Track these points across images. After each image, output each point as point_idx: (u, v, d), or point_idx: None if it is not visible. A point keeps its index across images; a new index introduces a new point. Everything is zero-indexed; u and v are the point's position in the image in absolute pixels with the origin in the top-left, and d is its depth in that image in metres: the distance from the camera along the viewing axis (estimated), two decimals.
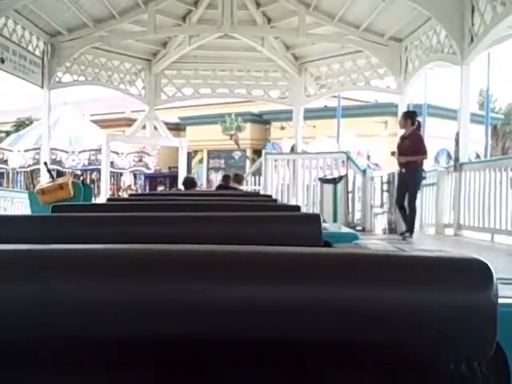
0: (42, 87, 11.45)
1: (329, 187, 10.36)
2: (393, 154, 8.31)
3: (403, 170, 7.98)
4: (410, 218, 7.95)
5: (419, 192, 8.73)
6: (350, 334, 0.59)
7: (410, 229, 7.87)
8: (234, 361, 0.63)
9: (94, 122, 20.95)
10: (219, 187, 8.54)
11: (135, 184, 19.96)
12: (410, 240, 7.69)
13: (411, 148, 7.79)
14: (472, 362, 0.62)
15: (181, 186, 8.64)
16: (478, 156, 19.36)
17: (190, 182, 7.94)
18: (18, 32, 10.41)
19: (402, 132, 8.26)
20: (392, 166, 8.41)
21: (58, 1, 10.16)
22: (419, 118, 9.06)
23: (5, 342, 0.60)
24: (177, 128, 24.08)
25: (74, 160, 17.57)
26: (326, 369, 0.64)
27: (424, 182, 9.61)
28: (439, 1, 8.72)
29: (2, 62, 9.86)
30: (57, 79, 11.87)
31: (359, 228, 9.52)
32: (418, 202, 9.77)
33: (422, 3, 8.90)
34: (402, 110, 10.33)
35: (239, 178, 8.80)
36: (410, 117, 8.12)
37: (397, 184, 8.53)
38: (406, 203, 8.00)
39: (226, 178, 9.50)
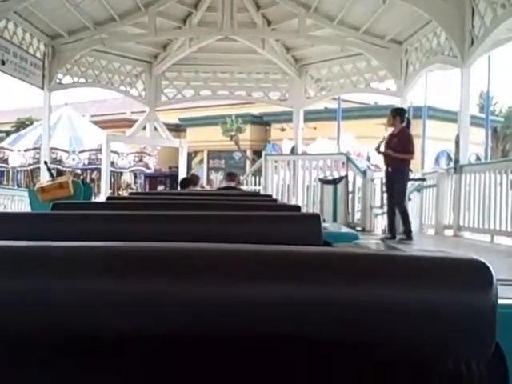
0: (43, 89, 11.44)
1: (329, 188, 10.36)
2: (377, 148, 7.75)
3: (389, 170, 7.56)
4: (403, 220, 7.57)
5: (410, 194, 8.59)
6: (348, 334, 0.59)
7: (408, 230, 7.67)
8: (233, 358, 0.63)
9: (95, 122, 20.96)
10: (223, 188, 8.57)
11: (135, 183, 19.98)
12: (409, 241, 7.58)
13: (399, 146, 7.36)
14: (471, 362, 0.62)
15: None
16: (478, 158, 19.37)
17: (187, 181, 7.84)
18: (18, 34, 10.40)
19: (391, 130, 7.78)
20: None
21: (58, 3, 10.16)
22: (419, 120, 8.92)
23: (2, 337, 0.60)
24: (177, 129, 24.10)
25: (74, 159, 17.55)
26: (323, 368, 0.64)
27: (425, 183, 9.61)
28: (439, 3, 8.70)
29: (3, 63, 9.86)
30: (57, 81, 11.87)
31: (359, 228, 9.53)
32: (417, 204, 9.76)
33: (422, 6, 8.88)
34: None
35: (233, 177, 8.77)
36: (399, 114, 7.72)
37: (385, 184, 8.10)
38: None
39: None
